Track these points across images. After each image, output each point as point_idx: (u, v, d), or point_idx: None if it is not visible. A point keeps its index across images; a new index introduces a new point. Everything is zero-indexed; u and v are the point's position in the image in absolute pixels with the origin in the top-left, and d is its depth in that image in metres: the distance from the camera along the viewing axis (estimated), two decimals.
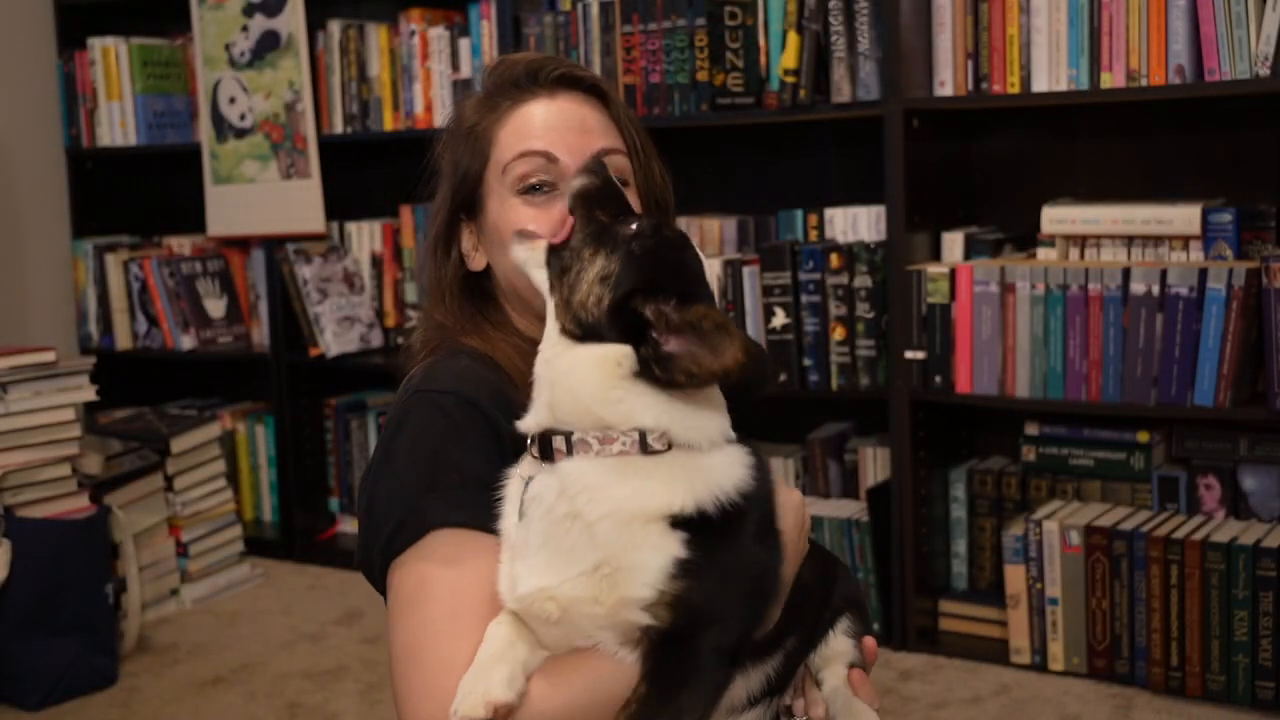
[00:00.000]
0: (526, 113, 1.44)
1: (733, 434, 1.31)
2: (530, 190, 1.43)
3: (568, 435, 1.24)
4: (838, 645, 1.47)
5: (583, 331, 1.26)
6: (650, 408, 1.24)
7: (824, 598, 1.48)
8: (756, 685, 1.35)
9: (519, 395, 1.37)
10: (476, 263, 1.49)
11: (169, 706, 2.80)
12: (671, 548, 1.21)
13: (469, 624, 1.28)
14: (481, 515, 1.31)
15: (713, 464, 1.27)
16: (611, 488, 1.22)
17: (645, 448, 1.24)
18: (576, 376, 1.25)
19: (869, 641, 1.50)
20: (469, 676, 1.24)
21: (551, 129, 1.44)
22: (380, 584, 1.39)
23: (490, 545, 1.31)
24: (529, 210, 1.42)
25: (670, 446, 1.24)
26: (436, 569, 1.32)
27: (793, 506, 1.38)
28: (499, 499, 1.31)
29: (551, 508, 1.24)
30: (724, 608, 1.23)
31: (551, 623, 1.24)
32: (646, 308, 1.24)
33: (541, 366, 1.29)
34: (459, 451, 1.34)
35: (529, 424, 1.28)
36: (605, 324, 1.25)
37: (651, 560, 1.20)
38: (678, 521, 1.22)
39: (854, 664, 1.48)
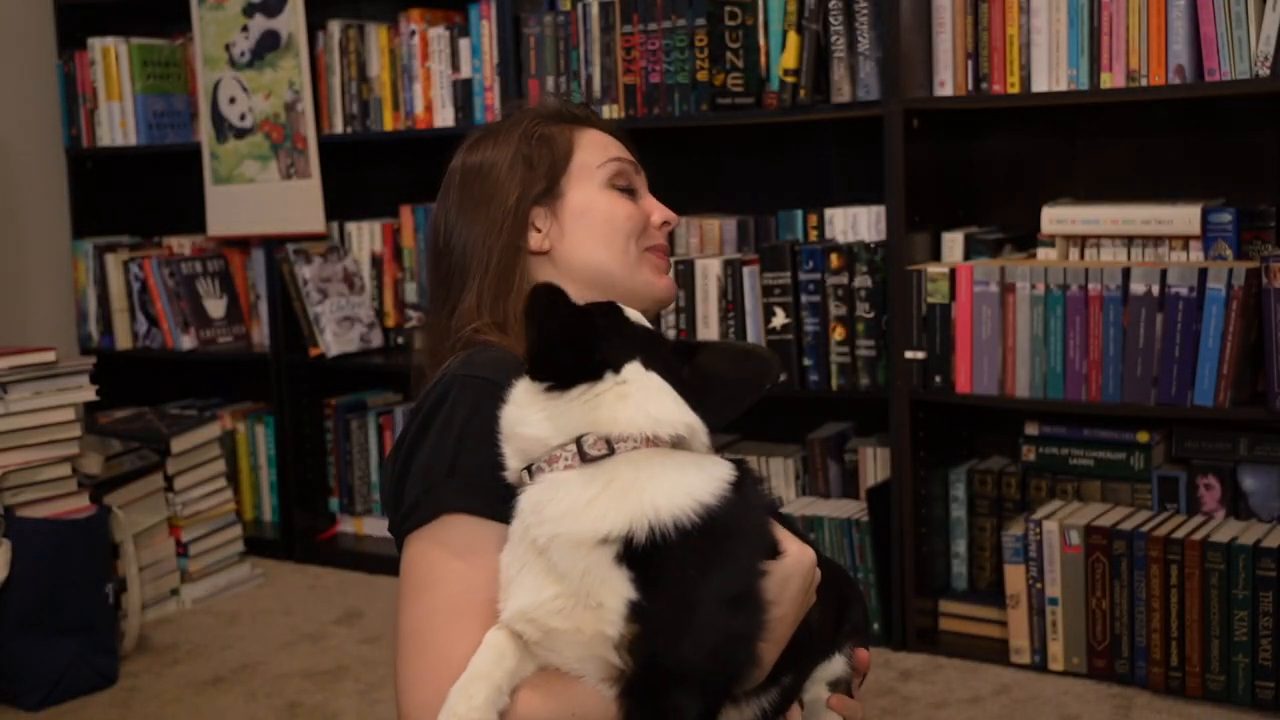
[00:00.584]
0: (600, 134, 1.63)
1: (699, 428, 1.28)
2: (621, 189, 1.60)
3: (529, 466, 1.27)
4: (831, 667, 1.48)
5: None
6: (571, 414, 1.25)
7: (833, 634, 1.46)
8: (750, 717, 1.33)
9: None
10: (540, 244, 1.57)
11: (169, 706, 2.81)
12: (623, 588, 1.19)
13: (470, 621, 1.31)
14: (498, 504, 1.33)
15: (668, 475, 1.23)
16: (549, 506, 1.22)
17: (585, 456, 1.23)
18: (509, 411, 1.29)
19: (861, 654, 1.52)
20: (456, 689, 1.25)
21: (626, 151, 1.64)
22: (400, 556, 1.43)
23: (500, 536, 1.32)
24: (626, 202, 1.59)
25: (611, 449, 1.23)
26: (445, 558, 1.35)
27: (800, 573, 1.32)
28: (510, 489, 1.33)
29: (520, 534, 1.26)
30: (689, 665, 1.19)
31: (535, 644, 1.25)
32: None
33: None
34: (486, 439, 1.35)
35: (511, 474, 1.30)
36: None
37: (610, 600, 1.19)
38: (624, 555, 1.19)
39: (840, 679, 1.47)
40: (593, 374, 1.26)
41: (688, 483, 1.22)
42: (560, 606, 1.22)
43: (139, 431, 3.40)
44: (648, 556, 1.19)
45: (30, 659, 2.80)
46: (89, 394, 3.04)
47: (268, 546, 3.78)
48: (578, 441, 1.24)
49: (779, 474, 3.20)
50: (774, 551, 1.30)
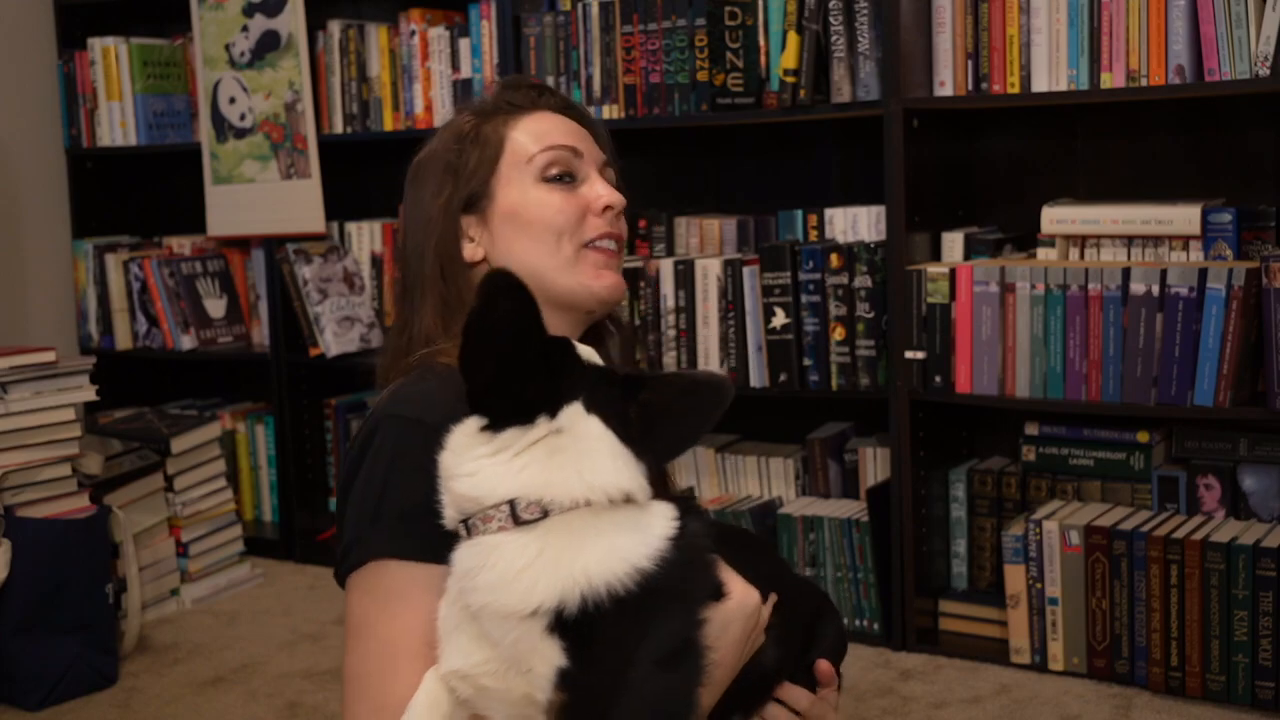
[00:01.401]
0: (539, 118, 1.55)
1: (636, 489, 1.23)
2: (555, 179, 1.51)
3: (466, 520, 1.24)
4: (792, 695, 1.44)
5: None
6: (504, 472, 1.21)
7: (792, 671, 1.43)
8: None
9: None
10: (473, 253, 1.53)
11: (169, 706, 2.81)
12: (554, 656, 1.17)
13: (403, 665, 1.32)
14: (423, 546, 1.32)
15: (602, 540, 1.19)
16: (481, 574, 1.20)
17: (518, 519, 1.20)
18: (446, 458, 1.25)
19: (822, 665, 1.47)
20: None
21: (569, 131, 1.54)
22: None
23: (429, 577, 1.32)
24: (556, 195, 1.50)
25: (545, 513, 1.19)
26: (374, 604, 1.36)
27: (741, 616, 1.29)
28: (441, 530, 1.30)
29: (455, 595, 1.25)
30: None
31: (466, 700, 1.25)
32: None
33: None
34: (410, 480, 1.34)
35: (448, 521, 1.27)
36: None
37: (540, 667, 1.17)
38: (555, 626, 1.16)
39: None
40: (526, 416, 1.22)
41: (622, 548, 1.19)
42: (492, 669, 1.21)
43: (139, 431, 3.40)
44: (580, 626, 1.17)
45: (30, 659, 2.80)
46: (89, 394, 3.04)
47: (268, 546, 3.78)
48: (511, 504, 1.20)
49: (779, 474, 3.20)
50: (718, 594, 1.27)
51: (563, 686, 1.16)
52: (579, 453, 1.22)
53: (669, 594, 1.20)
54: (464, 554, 1.23)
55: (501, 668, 1.20)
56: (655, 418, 1.27)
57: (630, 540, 1.20)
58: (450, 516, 1.26)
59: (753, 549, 1.45)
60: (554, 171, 1.51)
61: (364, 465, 1.39)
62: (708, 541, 1.29)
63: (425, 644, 1.31)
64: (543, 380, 1.23)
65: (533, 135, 1.52)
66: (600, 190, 1.52)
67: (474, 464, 1.22)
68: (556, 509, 1.20)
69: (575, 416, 1.23)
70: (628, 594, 1.17)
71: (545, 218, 1.50)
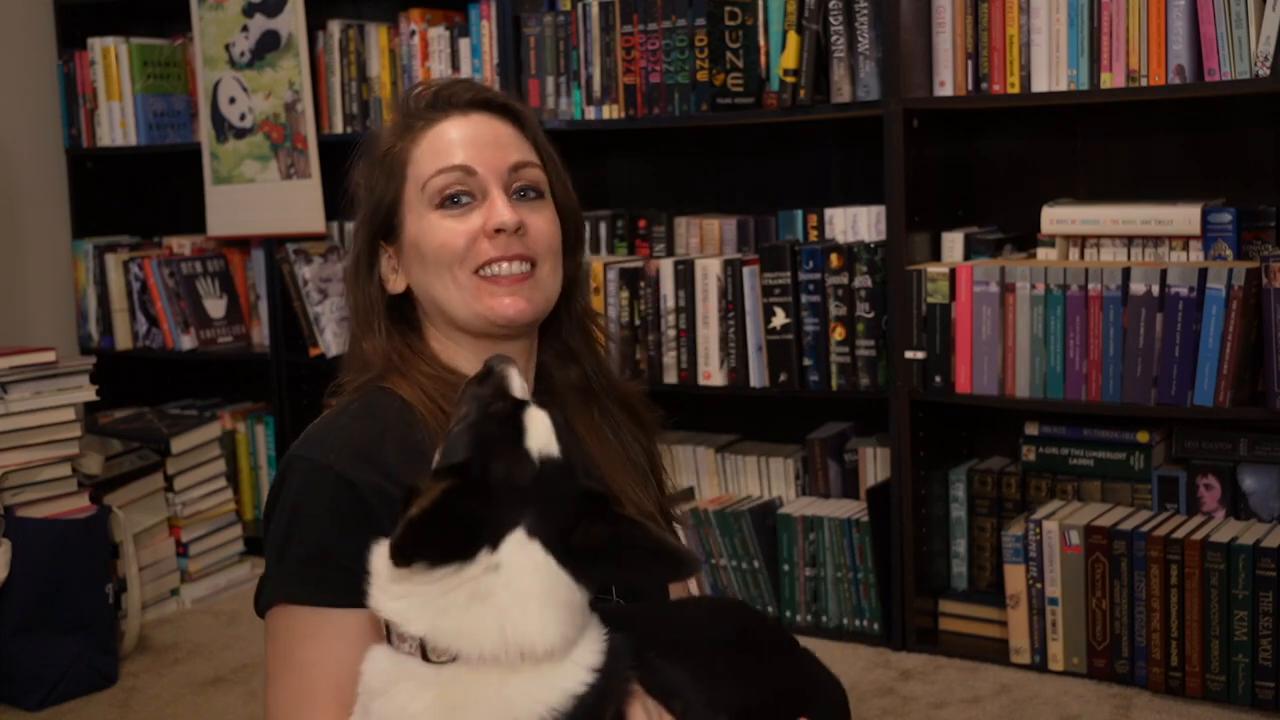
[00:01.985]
0: (441, 131, 1.47)
1: (558, 642, 1.16)
2: (448, 202, 1.44)
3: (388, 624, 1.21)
4: None
5: None
6: (425, 605, 1.15)
7: None
8: None
9: (428, 437, 1.36)
10: (396, 285, 1.50)
11: (169, 706, 2.80)
12: None
13: (308, 712, 1.33)
14: (326, 590, 1.32)
15: (502, 693, 1.14)
16: (379, 701, 1.18)
17: (426, 657, 1.17)
18: (376, 563, 1.21)
19: None
20: None
21: (467, 144, 1.45)
22: None
23: (329, 621, 1.32)
24: (448, 221, 1.44)
25: (455, 658, 1.15)
26: (281, 648, 1.36)
27: None
28: (345, 573, 1.28)
29: (362, 703, 1.23)
30: None
31: None
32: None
33: None
34: (313, 525, 1.34)
35: (375, 611, 1.22)
36: None
37: None
38: None
39: None
40: (464, 554, 1.15)
41: (518, 704, 1.14)
42: None
43: (139, 431, 3.40)
44: None
45: (30, 659, 2.80)
46: (89, 394, 3.04)
47: None
48: (422, 641, 1.16)
49: (779, 474, 3.20)
50: None
51: None
52: (508, 599, 1.15)
53: None
54: (375, 662, 1.21)
55: None
56: (601, 556, 1.19)
57: (529, 697, 1.14)
58: (377, 608, 1.21)
59: (755, 650, 1.38)
60: (448, 194, 1.44)
61: (276, 508, 1.39)
62: (623, 690, 1.21)
63: (333, 687, 1.31)
64: (489, 501, 1.16)
65: (428, 156, 1.45)
66: (491, 211, 1.43)
67: (401, 587, 1.17)
68: (465, 659, 1.15)
69: (515, 549, 1.16)
70: None
71: (435, 248, 1.43)
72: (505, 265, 1.43)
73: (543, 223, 1.47)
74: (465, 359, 1.48)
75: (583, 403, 1.54)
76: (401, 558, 1.14)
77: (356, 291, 1.51)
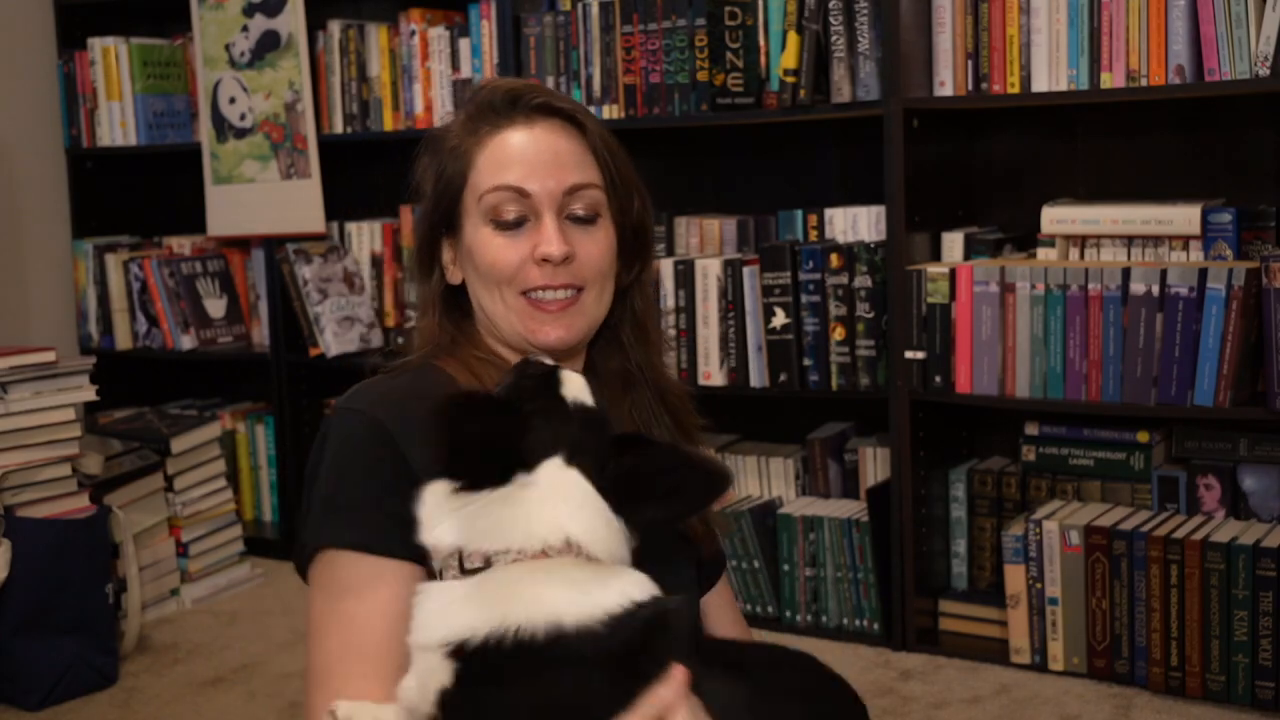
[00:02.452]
0: (503, 140, 1.46)
1: (585, 537, 1.19)
2: (501, 222, 1.45)
3: (440, 570, 1.24)
4: None
5: None
6: (458, 525, 1.20)
7: None
8: None
9: None
10: (454, 276, 1.52)
11: (169, 706, 2.80)
12: (444, 675, 1.16)
13: (362, 664, 1.31)
14: (375, 539, 1.32)
15: (533, 590, 1.15)
16: (418, 615, 1.21)
17: (463, 568, 1.20)
18: (423, 510, 1.24)
19: None
20: None
21: (527, 162, 1.45)
22: None
23: (382, 570, 1.32)
24: (499, 239, 1.45)
25: (488, 563, 1.18)
26: (331, 601, 1.35)
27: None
28: (395, 522, 1.30)
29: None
30: None
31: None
32: None
33: None
34: (358, 473, 1.34)
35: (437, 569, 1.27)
36: None
37: (432, 684, 1.17)
38: (455, 653, 1.15)
39: None
40: (502, 476, 1.20)
41: (550, 601, 1.15)
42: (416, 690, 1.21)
43: (139, 431, 3.40)
44: (476, 656, 1.15)
45: (30, 659, 2.80)
46: (89, 394, 3.04)
47: (268, 546, 3.78)
48: (459, 552, 1.20)
49: (779, 474, 3.20)
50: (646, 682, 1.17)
51: (440, 705, 1.15)
52: (537, 503, 1.19)
53: (578, 660, 1.14)
54: (419, 596, 1.23)
55: (421, 701, 1.19)
56: (641, 485, 1.23)
57: (562, 596, 1.16)
58: (434, 564, 1.25)
59: (778, 666, 1.37)
60: (498, 216, 1.44)
61: (322, 459, 1.39)
62: (665, 648, 1.19)
63: (382, 639, 1.31)
64: (529, 432, 1.21)
65: (490, 167, 1.45)
66: (542, 239, 1.43)
67: (445, 515, 1.22)
68: (499, 559, 1.18)
69: (552, 471, 1.20)
70: (533, 641, 1.14)
71: (486, 264, 1.45)
72: (550, 292, 1.45)
73: (593, 247, 1.47)
74: (509, 352, 1.51)
75: (622, 391, 1.54)
76: (449, 472, 1.20)
77: (419, 276, 1.54)
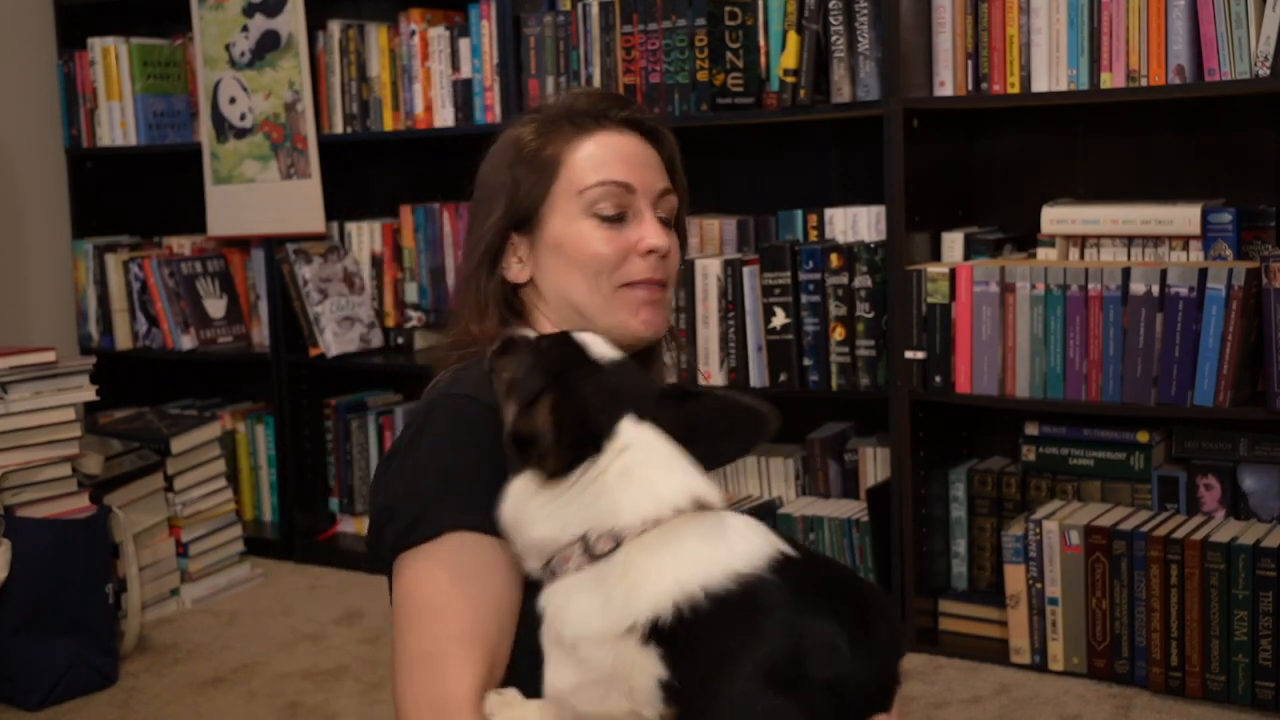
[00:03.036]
0: (603, 141, 1.51)
1: (707, 492, 1.20)
2: (604, 214, 1.49)
3: (549, 563, 1.22)
4: None
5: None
6: (572, 506, 1.19)
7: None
8: None
9: None
10: (519, 275, 1.53)
11: (169, 706, 2.81)
12: (653, 668, 1.12)
13: (481, 650, 1.30)
14: (495, 520, 1.30)
15: (685, 548, 1.15)
16: (571, 609, 1.18)
17: (592, 554, 1.18)
18: (507, 510, 1.24)
19: None
20: None
21: (627, 162, 1.51)
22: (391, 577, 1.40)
23: (501, 555, 1.31)
24: (603, 232, 1.49)
25: (619, 542, 1.17)
26: (452, 581, 1.31)
27: None
28: None
29: (545, 630, 1.22)
30: None
31: None
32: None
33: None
34: (476, 456, 1.34)
35: (532, 571, 1.25)
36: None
37: (640, 680, 1.13)
38: (650, 635, 1.13)
39: None
40: (592, 449, 1.19)
41: (709, 553, 1.16)
42: (587, 695, 1.17)
43: (139, 431, 3.40)
44: (677, 632, 1.12)
45: (30, 659, 2.80)
46: (89, 394, 3.04)
47: (268, 546, 3.78)
48: (583, 539, 1.18)
49: (779, 474, 3.20)
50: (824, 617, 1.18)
51: (669, 700, 1.12)
52: (649, 467, 1.19)
53: (773, 601, 1.14)
54: (547, 598, 1.21)
55: (600, 691, 1.16)
56: (696, 430, 1.24)
57: (720, 549, 1.16)
58: (533, 566, 1.24)
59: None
60: (603, 209, 1.48)
61: (425, 440, 1.37)
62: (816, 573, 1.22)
63: (498, 630, 1.30)
64: (593, 404, 1.21)
65: (589, 164, 1.49)
66: (647, 232, 1.49)
67: (542, 505, 1.20)
68: (629, 534, 1.17)
69: (632, 430, 1.21)
70: (728, 594, 1.12)
71: (587, 255, 1.48)
72: (646, 287, 1.50)
73: (674, 250, 1.54)
74: None
75: None
76: (560, 468, 1.18)
77: (477, 277, 1.53)
